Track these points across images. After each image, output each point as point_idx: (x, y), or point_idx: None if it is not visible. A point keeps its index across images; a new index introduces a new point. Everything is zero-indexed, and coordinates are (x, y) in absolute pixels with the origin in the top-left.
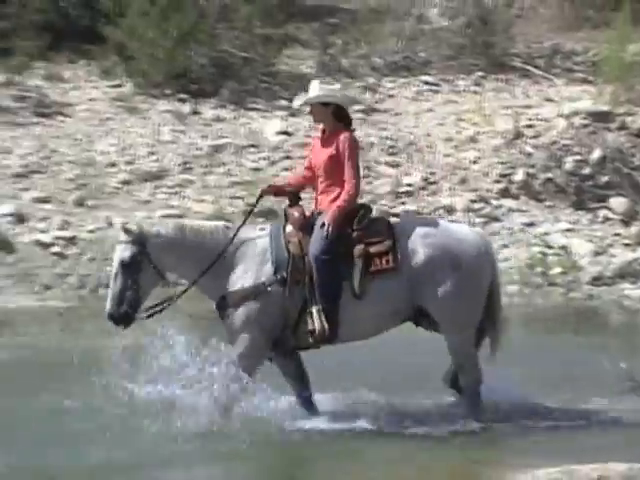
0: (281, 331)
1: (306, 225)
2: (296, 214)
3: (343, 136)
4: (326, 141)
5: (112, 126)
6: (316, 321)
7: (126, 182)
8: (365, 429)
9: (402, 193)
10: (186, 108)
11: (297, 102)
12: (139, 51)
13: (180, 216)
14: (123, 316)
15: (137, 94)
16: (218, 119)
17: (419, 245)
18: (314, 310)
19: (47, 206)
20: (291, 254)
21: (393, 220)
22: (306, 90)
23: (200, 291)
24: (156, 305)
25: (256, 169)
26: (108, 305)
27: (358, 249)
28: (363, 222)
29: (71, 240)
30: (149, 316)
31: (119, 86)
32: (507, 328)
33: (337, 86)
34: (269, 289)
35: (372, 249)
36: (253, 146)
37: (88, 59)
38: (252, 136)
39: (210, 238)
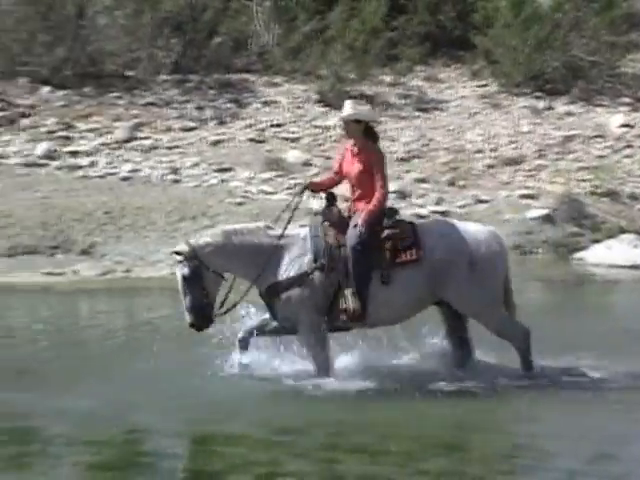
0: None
1: (341, 223)
2: (333, 212)
3: (373, 151)
4: (357, 154)
5: (479, 119)
6: (349, 301)
7: (490, 166)
8: None
9: None
10: (541, 104)
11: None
12: (503, 56)
13: (533, 196)
14: (203, 321)
15: (500, 92)
16: (569, 113)
17: (438, 243)
18: (348, 292)
19: (425, 185)
20: (328, 244)
21: (417, 221)
22: None
23: (251, 283)
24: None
25: (601, 156)
26: (187, 317)
27: (387, 243)
28: (391, 222)
29: (444, 214)
30: (225, 312)
31: (485, 85)
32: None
33: (367, 106)
34: (311, 276)
35: (399, 244)
36: (599, 137)
37: (460, 63)
38: (598, 128)
39: (252, 238)
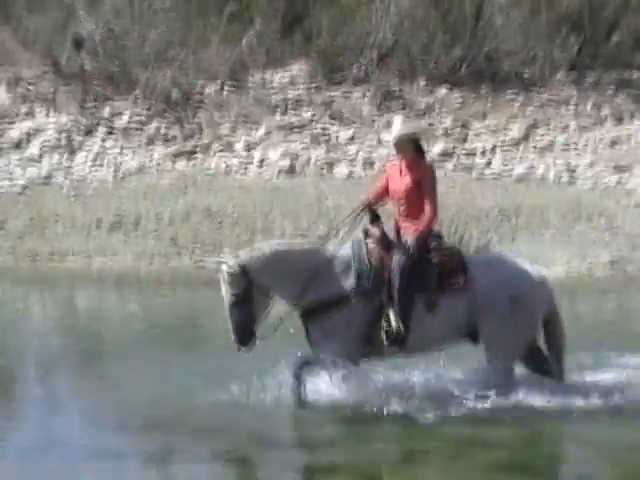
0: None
1: (385, 242)
2: (377, 231)
3: (424, 167)
4: (406, 171)
5: None
6: (393, 322)
7: None
8: None
9: None
10: None
11: (387, 136)
12: None
13: None
14: (249, 341)
15: None
16: None
17: (482, 275)
18: (391, 312)
19: None
20: (372, 266)
21: (463, 250)
22: None
23: (291, 303)
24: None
25: None
26: (234, 336)
27: (434, 267)
28: (438, 246)
29: None
30: (275, 330)
31: None
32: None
33: (421, 122)
34: (352, 299)
35: (446, 269)
36: None
37: None
38: None
39: (303, 260)
